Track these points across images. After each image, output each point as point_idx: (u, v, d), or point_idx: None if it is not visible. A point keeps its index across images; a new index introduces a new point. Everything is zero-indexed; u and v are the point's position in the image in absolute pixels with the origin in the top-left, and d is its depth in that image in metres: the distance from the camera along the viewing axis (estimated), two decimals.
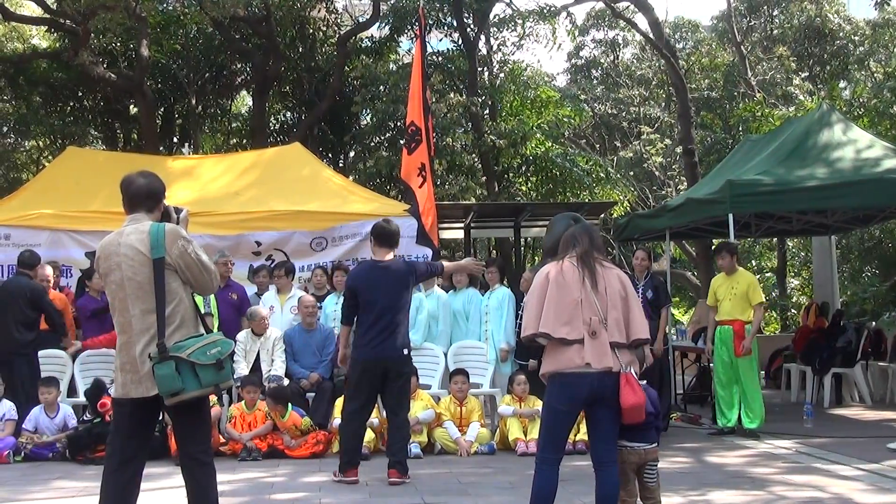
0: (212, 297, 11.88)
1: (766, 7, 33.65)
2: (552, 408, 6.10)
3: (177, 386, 5.51)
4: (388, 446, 9.23)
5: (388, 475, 8.81)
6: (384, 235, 9.38)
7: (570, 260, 6.08)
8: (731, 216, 12.11)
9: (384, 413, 9.69)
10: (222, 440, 10.90)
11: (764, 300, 12.09)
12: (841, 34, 32.22)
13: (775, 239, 28.21)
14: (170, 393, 5.52)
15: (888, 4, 20.80)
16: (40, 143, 29.33)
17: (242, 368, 11.79)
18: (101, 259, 5.84)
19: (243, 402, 10.97)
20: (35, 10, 24.51)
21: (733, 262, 11.88)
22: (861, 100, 25.38)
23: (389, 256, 9.32)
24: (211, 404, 10.79)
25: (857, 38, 32.30)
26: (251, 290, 13.26)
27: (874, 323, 15.43)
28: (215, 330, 6.61)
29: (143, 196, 5.91)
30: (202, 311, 11.61)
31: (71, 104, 27.42)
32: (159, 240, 5.70)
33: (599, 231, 6.43)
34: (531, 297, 6.16)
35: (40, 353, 11.96)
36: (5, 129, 29.65)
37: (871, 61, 32.54)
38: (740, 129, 26.90)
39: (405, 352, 9.17)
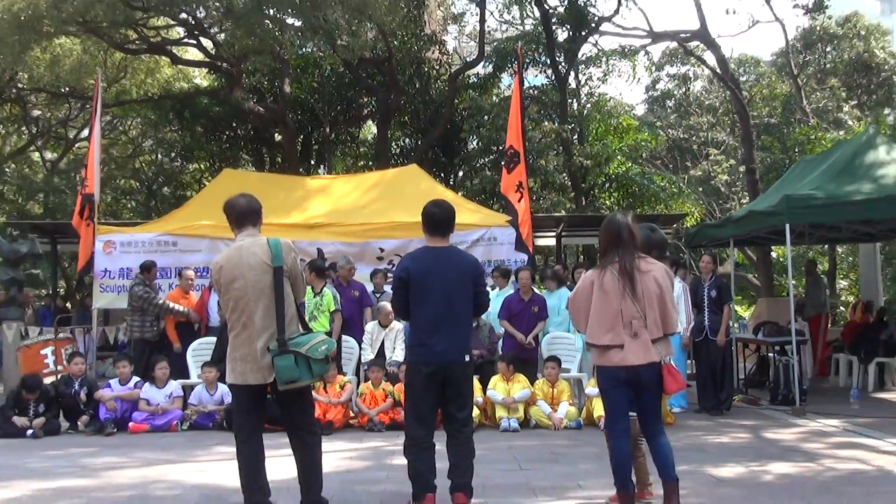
0: (339, 295, 12.08)
1: (819, 44, 32.87)
2: (605, 390, 6.22)
3: (295, 375, 5.81)
4: (453, 466, 6.45)
5: (454, 499, 6.36)
6: (435, 221, 6.62)
7: (612, 270, 6.11)
8: (787, 226, 11.94)
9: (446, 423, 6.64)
10: (352, 414, 11.11)
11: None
12: (886, 67, 31.42)
13: (826, 245, 27.62)
14: (288, 381, 5.81)
15: None
16: (201, 165, 30.06)
17: (369, 354, 11.97)
18: (225, 269, 6.07)
19: (370, 381, 11.14)
20: (197, 55, 25.08)
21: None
22: None
23: (444, 245, 6.62)
24: (342, 384, 11.06)
25: None
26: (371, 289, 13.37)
27: None
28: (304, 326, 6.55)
29: (248, 213, 6.28)
30: (334, 308, 11.81)
31: (226, 133, 28.06)
32: (279, 251, 6.03)
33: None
34: (576, 298, 6.31)
35: (204, 339, 12.52)
36: (173, 154, 30.51)
37: None
38: (796, 150, 26.40)
39: (467, 358, 6.51)
